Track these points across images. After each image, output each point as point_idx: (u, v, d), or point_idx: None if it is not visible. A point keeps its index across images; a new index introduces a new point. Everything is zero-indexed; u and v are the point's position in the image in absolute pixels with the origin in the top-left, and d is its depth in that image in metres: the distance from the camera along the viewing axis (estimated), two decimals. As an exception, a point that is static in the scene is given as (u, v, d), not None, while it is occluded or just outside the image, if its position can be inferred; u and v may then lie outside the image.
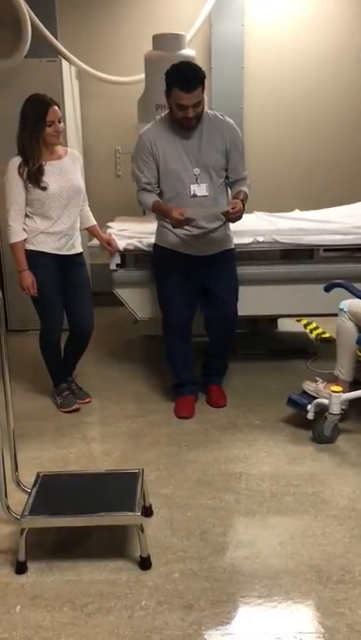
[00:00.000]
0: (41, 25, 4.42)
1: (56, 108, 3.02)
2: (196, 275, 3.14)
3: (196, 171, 2.97)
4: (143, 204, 3.10)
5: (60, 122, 3.03)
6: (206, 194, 3.00)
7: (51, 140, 3.03)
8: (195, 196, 2.99)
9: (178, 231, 3.02)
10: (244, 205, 2.98)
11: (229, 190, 3.14)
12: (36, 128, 2.97)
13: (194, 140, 2.97)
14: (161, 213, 3.04)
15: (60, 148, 3.14)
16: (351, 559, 2.15)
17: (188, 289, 3.16)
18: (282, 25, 4.97)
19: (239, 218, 2.96)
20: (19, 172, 3.00)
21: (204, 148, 2.97)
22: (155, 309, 3.60)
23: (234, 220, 2.97)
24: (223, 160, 3.03)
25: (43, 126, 2.98)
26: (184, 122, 2.89)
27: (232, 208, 2.89)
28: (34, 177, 3.00)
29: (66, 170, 3.11)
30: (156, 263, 3.26)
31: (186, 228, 2.96)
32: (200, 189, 2.99)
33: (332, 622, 1.89)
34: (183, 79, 2.78)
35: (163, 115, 3.03)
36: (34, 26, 4.36)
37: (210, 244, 3.10)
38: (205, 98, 2.94)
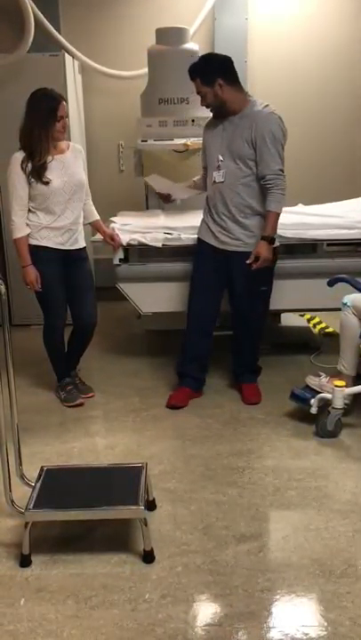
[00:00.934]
0: (44, 19, 4.41)
1: (64, 103, 3.02)
2: (221, 269, 3.20)
3: (220, 158, 3.07)
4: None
5: (66, 117, 3.03)
6: (222, 180, 3.09)
7: (58, 135, 3.03)
8: (214, 182, 3.13)
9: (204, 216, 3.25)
10: (270, 239, 3.05)
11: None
12: (46, 123, 2.97)
13: (227, 130, 3.07)
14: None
15: (62, 143, 3.13)
16: (354, 553, 2.16)
17: (212, 282, 3.23)
18: (285, 18, 4.94)
19: (267, 262, 3.07)
20: (21, 167, 3.00)
21: (233, 137, 3.05)
22: (158, 304, 3.61)
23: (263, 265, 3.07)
24: (250, 150, 3.02)
25: (53, 121, 2.97)
26: (214, 110, 3.12)
27: (250, 263, 3.04)
28: (37, 172, 3.00)
29: (68, 164, 3.11)
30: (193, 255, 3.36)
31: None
32: (218, 176, 3.10)
33: (335, 616, 1.89)
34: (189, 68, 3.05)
35: None
36: (37, 20, 4.35)
37: (226, 236, 3.16)
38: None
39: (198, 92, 3.05)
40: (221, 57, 3.11)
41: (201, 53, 4.12)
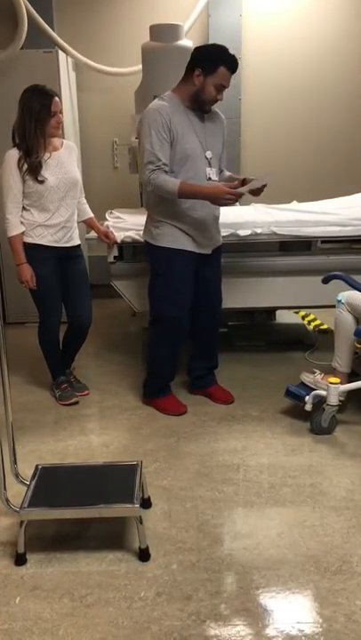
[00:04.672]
0: (37, 16, 4.39)
1: (57, 99, 3.01)
2: (197, 274, 3.07)
3: (208, 154, 2.94)
4: (164, 186, 2.78)
5: (60, 113, 3.02)
6: (216, 178, 2.99)
7: (52, 131, 3.02)
8: (210, 179, 2.94)
9: (188, 228, 2.94)
10: None
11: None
12: (39, 119, 2.96)
13: (203, 126, 2.94)
14: (200, 195, 2.82)
15: (55, 140, 3.12)
16: (349, 550, 2.17)
17: (192, 290, 3.07)
18: (280, 15, 4.94)
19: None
20: (17, 165, 2.98)
21: (212, 135, 2.98)
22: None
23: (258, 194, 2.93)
24: (222, 149, 3.05)
25: (47, 118, 2.97)
26: (210, 104, 2.88)
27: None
28: (33, 170, 2.99)
29: (62, 162, 3.10)
30: (163, 266, 3.02)
31: (198, 216, 2.93)
32: (212, 173, 2.96)
33: (330, 612, 1.90)
34: (233, 59, 2.80)
35: (168, 95, 2.91)
36: (30, 17, 4.33)
37: (212, 238, 3.08)
38: None
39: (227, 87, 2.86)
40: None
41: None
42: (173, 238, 2.96)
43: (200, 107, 2.89)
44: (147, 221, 3.09)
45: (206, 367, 3.37)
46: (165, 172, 2.81)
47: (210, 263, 3.11)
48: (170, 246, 2.97)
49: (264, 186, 2.86)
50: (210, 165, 2.95)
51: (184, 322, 3.11)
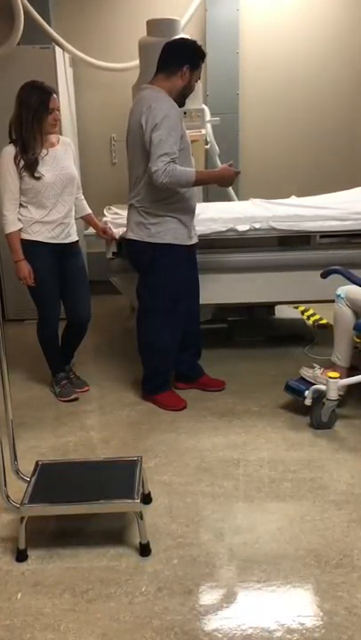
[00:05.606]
0: (34, 11, 4.36)
1: (55, 96, 3.00)
2: (190, 265, 3.16)
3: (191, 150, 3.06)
4: (183, 176, 2.80)
5: (57, 110, 3.02)
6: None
7: (49, 128, 3.01)
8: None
9: (187, 219, 3.00)
10: None
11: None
12: (37, 116, 2.95)
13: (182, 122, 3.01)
14: (212, 179, 3.08)
15: (52, 136, 3.12)
16: (349, 543, 2.17)
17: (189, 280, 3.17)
18: (277, 9, 4.92)
19: None
20: (14, 162, 2.97)
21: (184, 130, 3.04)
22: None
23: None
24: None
25: (45, 114, 2.96)
26: (188, 96, 2.99)
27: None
28: (30, 167, 2.98)
29: (59, 158, 3.09)
30: (164, 263, 3.01)
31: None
32: (193, 162, 3.11)
33: (331, 606, 1.90)
34: (204, 53, 2.97)
35: (157, 88, 2.90)
36: (26, 12, 4.31)
37: (195, 227, 3.14)
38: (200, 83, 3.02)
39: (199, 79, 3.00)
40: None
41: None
42: (175, 233, 2.98)
43: (182, 101, 2.96)
44: (135, 220, 3.02)
45: (194, 355, 3.39)
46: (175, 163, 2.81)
47: (193, 254, 3.19)
48: (172, 242, 2.98)
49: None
50: (192, 155, 3.10)
51: (181, 313, 3.13)
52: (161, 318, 3.10)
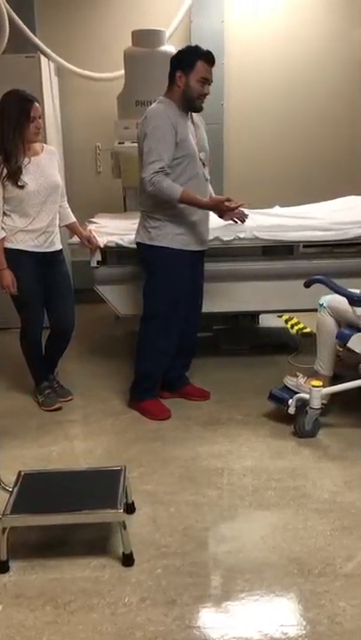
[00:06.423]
0: (19, 20, 4.37)
1: (37, 104, 3.00)
2: (194, 271, 3.19)
3: (202, 155, 3.05)
4: (168, 190, 2.85)
5: (39, 118, 3.02)
6: (209, 177, 3.12)
7: (31, 137, 3.01)
8: (207, 179, 3.10)
9: (187, 226, 3.01)
10: None
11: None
12: (18, 125, 2.94)
13: (194, 129, 3.03)
14: (200, 206, 2.98)
15: (36, 145, 3.11)
16: (332, 552, 2.18)
17: (191, 287, 3.19)
18: (261, 21, 4.98)
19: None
20: (-3, 171, 2.97)
21: (201, 137, 3.07)
22: (136, 306, 3.59)
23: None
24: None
25: (27, 123, 2.95)
26: (200, 99, 2.95)
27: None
28: (13, 176, 2.97)
29: (43, 166, 3.09)
30: (161, 266, 3.06)
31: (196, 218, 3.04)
32: (207, 172, 3.10)
33: (314, 614, 1.91)
34: (210, 53, 2.91)
35: (164, 99, 2.98)
36: (11, 21, 4.31)
37: (203, 235, 3.15)
38: None
39: (211, 82, 2.96)
40: None
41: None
42: (173, 237, 3.02)
43: (191, 106, 2.97)
44: (141, 224, 3.10)
45: (184, 366, 3.41)
46: (167, 174, 2.87)
47: (199, 262, 3.21)
48: (169, 246, 3.02)
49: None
50: (204, 166, 3.06)
51: (180, 319, 3.15)
52: (159, 322, 3.13)
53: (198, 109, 3.00)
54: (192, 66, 2.89)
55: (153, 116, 2.90)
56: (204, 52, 2.91)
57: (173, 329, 3.15)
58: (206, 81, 2.92)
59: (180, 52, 2.99)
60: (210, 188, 3.19)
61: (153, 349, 3.19)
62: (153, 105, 2.98)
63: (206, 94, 2.96)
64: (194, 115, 3.06)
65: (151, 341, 3.18)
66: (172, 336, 3.17)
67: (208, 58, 2.91)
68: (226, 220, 3.45)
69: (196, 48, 2.95)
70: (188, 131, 2.96)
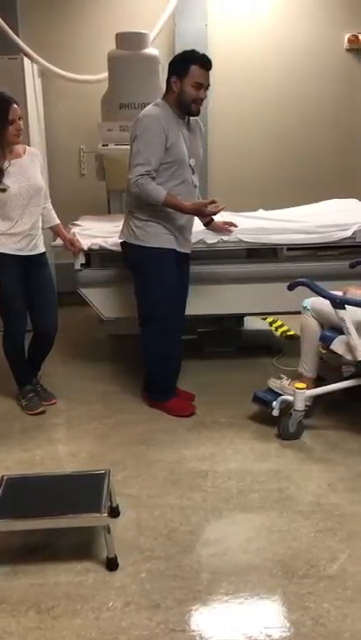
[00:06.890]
0: (1, 21, 4.34)
1: (16, 105, 2.98)
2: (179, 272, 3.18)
3: (192, 162, 3.05)
4: (151, 193, 2.88)
5: (20, 119, 3.00)
6: (197, 184, 3.12)
7: (12, 139, 2.99)
8: (195, 186, 3.10)
9: (173, 227, 3.02)
10: None
11: None
12: None
13: (188, 134, 3.03)
14: (182, 210, 2.96)
15: (18, 147, 3.09)
16: (316, 554, 2.19)
17: (179, 286, 3.19)
18: (245, 25, 5.00)
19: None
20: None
21: (195, 142, 3.07)
22: (120, 309, 3.59)
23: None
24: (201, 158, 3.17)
25: (5, 125, 2.93)
26: (196, 104, 2.94)
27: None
28: (-6, 179, 2.95)
29: (25, 168, 3.07)
30: (149, 266, 3.06)
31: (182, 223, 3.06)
32: (196, 179, 3.10)
33: (298, 616, 1.91)
34: (205, 57, 2.92)
35: (160, 102, 2.98)
36: (-6, 22, 4.29)
37: (188, 238, 3.18)
38: None
39: (208, 86, 2.97)
40: None
41: (161, 59, 4.15)
42: (161, 237, 3.03)
43: (187, 110, 2.97)
44: (127, 224, 3.11)
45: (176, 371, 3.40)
46: (153, 178, 2.88)
47: (185, 264, 3.22)
48: (158, 246, 3.02)
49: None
50: (193, 172, 3.06)
51: (180, 318, 3.17)
52: (157, 324, 3.14)
53: (195, 114, 3.00)
54: (186, 70, 2.88)
55: (145, 119, 2.91)
56: (199, 57, 2.90)
57: (173, 328, 3.16)
58: (201, 85, 2.91)
59: (175, 57, 3.00)
60: (198, 194, 3.17)
61: (157, 354, 3.20)
62: (148, 107, 2.99)
63: (202, 99, 2.95)
64: (192, 120, 3.05)
65: (153, 345, 3.18)
66: (172, 336, 3.19)
67: (203, 62, 2.90)
68: (212, 229, 3.46)
69: (192, 53, 2.93)
70: (181, 136, 2.96)
